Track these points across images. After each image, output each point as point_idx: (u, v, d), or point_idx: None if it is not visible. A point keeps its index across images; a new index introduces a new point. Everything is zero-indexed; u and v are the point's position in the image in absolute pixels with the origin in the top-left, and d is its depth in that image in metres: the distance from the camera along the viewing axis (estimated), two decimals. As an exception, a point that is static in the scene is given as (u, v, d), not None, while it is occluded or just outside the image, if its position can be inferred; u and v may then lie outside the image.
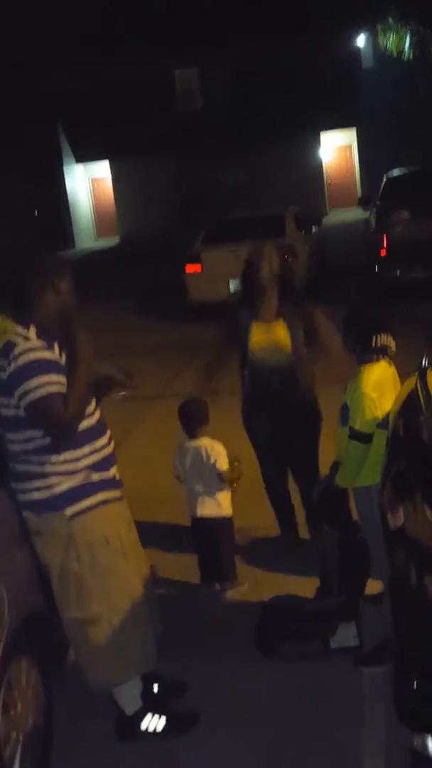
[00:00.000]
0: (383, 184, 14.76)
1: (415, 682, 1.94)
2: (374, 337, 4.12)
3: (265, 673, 4.14)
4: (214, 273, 13.18)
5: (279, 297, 5.07)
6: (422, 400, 3.58)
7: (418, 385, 3.78)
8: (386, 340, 4.14)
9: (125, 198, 32.18)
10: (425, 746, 1.91)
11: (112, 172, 32.61)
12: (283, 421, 5.11)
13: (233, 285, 12.12)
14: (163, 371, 10.27)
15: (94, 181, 33.70)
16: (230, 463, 4.86)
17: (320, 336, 5.10)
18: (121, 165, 31.72)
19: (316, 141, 31.51)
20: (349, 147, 32.39)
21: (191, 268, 13.81)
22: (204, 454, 4.87)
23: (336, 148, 32.43)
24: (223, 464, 4.85)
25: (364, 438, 4.04)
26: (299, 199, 17.32)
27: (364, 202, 16.84)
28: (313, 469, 5.11)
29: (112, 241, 31.96)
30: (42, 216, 29.10)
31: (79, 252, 28.51)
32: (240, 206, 19.63)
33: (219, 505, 4.92)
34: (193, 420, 4.96)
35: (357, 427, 4.04)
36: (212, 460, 4.85)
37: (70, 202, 31.91)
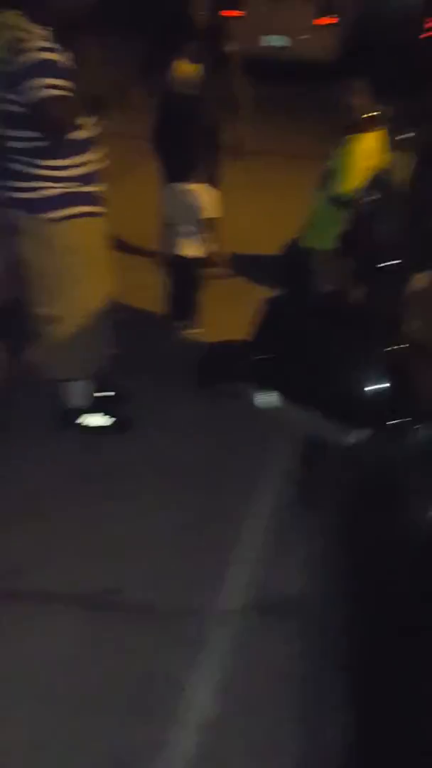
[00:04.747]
0: None
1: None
2: None
3: (199, 403, 4.59)
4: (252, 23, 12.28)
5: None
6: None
7: None
8: None
9: None
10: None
11: None
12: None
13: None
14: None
15: None
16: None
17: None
18: None
19: None
20: None
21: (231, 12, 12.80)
22: (192, 197, 5.14)
23: None
24: (209, 211, 5.14)
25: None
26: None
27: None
28: None
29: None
30: None
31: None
32: None
33: (198, 247, 5.24)
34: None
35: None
36: (199, 205, 5.13)
37: None
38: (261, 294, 5.16)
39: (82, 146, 3.78)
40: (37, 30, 3.62)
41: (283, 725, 2.73)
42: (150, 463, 4.11)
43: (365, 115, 4.29)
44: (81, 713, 2.80)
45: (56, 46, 3.63)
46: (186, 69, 5.51)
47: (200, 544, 3.58)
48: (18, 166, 3.76)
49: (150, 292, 5.54)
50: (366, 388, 1.71)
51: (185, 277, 5.29)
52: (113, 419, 4.32)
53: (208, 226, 5.18)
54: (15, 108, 3.66)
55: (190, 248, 5.23)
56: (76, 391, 4.24)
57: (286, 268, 4.66)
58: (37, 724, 2.75)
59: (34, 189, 3.76)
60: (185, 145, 5.36)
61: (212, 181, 5.50)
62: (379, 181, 3.53)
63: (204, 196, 5.14)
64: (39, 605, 3.25)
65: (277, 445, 4.27)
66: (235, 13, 12.22)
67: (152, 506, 3.79)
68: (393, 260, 2.47)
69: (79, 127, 3.75)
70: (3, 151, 3.78)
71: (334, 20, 12.15)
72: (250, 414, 4.36)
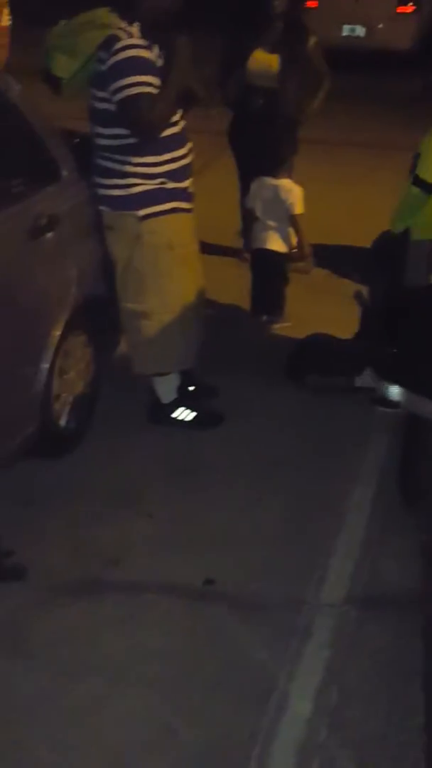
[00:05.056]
0: None
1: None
2: None
3: (289, 396, 4.58)
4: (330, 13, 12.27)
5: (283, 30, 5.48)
6: None
7: None
8: None
9: None
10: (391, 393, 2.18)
11: None
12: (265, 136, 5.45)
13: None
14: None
15: None
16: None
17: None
18: None
19: None
20: None
21: (308, 3, 12.87)
22: (282, 193, 5.17)
23: None
24: (298, 207, 5.15)
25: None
26: None
27: None
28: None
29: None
30: None
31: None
32: None
33: (285, 242, 5.25)
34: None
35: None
36: (289, 201, 5.16)
37: None
38: (346, 287, 5.20)
39: (171, 143, 3.80)
40: (128, 27, 3.66)
41: (390, 718, 2.71)
42: (242, 456, 4.11)
43: None
44: (178, 704, 2.80)
45: (147, 42, 3.66)
46: (264, 60, 5.50)
47: (298, 537, 3.56)
48: (108, 164, 3.81)
49: (234, 286, 5.56)
50: None
51: (272, 272, 5.29)
52: (204, 413, 4.33)
53: (295, 220, 5.18)
54: (105, 105, 3.70)
55: (278, 243, 5.23)
56: (167, 386, 4.26)
57: (380, 261, 4.60)
58: (135, 715, 2.77)
59: (125, 186, 3.80)
60: (270, 140, 5.35)
61: (291, 174, 5.48)
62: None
63: (294, 192, 5.15)
64: (136, 596, 3.27)
65: (372, 437, 4.24)
66: (312, 3, 12.29)
67: (247, 499, 3.79)
68: None
69: (172, 124, 3.77)
70: (94, 148, 3.83)
71: (412, 9, 12.01)
72: (341, 406, 4.44)
